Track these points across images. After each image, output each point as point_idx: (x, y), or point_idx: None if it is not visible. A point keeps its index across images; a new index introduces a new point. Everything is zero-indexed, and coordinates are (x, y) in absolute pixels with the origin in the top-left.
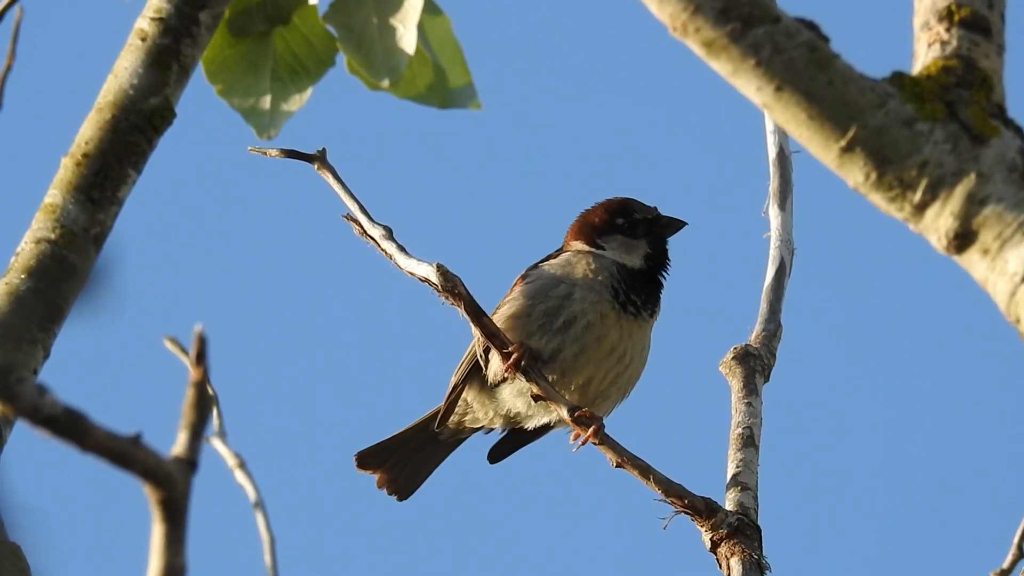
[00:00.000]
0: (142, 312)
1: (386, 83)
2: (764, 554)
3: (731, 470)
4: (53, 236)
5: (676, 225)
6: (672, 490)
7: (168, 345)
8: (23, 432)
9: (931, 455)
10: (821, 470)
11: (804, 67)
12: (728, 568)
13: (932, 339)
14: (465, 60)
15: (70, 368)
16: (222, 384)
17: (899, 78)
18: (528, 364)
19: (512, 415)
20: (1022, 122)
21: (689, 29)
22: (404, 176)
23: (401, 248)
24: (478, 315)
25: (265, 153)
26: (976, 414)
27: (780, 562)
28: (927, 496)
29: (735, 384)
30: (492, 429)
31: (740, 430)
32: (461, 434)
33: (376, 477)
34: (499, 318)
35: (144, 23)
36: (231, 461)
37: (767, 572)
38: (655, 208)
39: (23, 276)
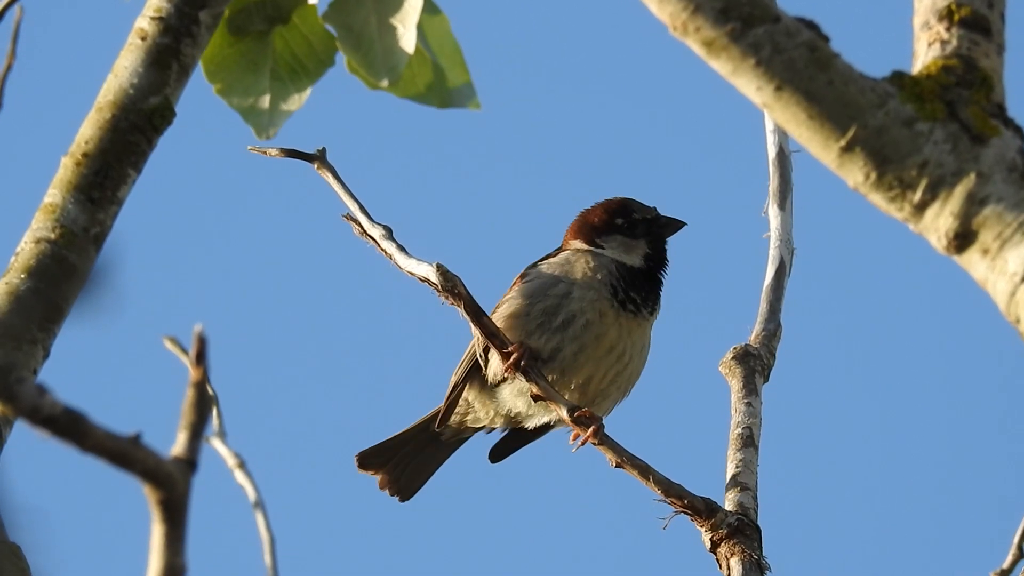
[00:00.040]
0: (142, 312)
1: (385, 83)
2: (764, 554)
3: (731, 470)
4: (53, 236)
5: (675, 225)
6: (672, 490)
7: (168, 345)
8: (23, 432)
9: (931, 455)
10: (821, 470)
11: (804, 67)
12: (728, 568)
13: (932, 339)
14: (464, 60)
15: (70, 368)
16: (222, 384)
17: (899, 78)
18: (528, 364)
19: (513, 415)
20: (1022, 122)
21: (689, 29)
22: (404, 176)
23: (401, 248)
24: (478, 315)
25: (265, 153)
26: (976, 414)
27: (780, 562)
28: (927, 496)
29: (735, 384)
30: (493, 429)
31: (740, 430)
32: (462, 434)
33: (378, 478)
34: (498, 317)
35: (144, 22)
36: (231, 461)
37: (767, 572)
38: (654, 208)
39: (23, 276)
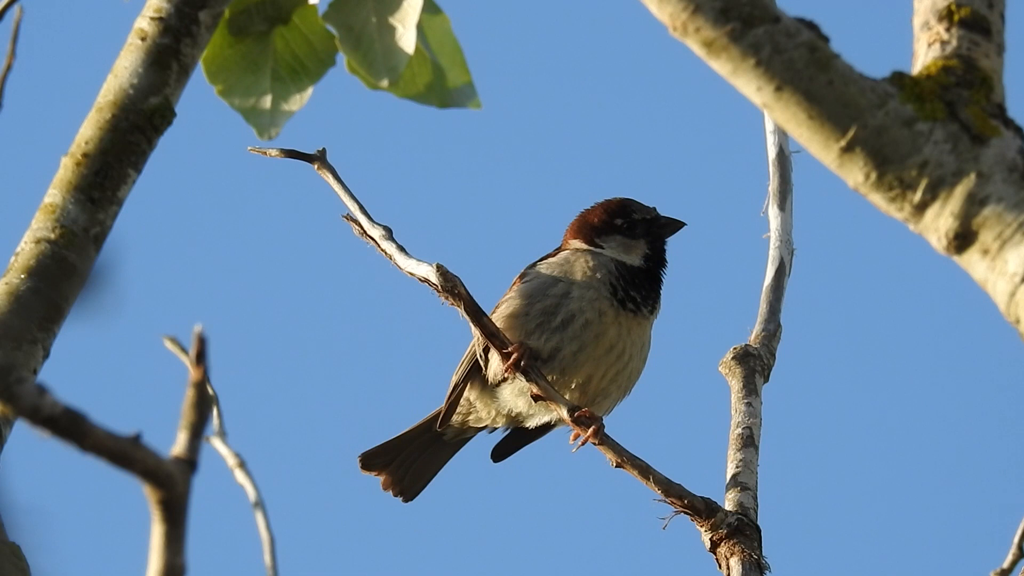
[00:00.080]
0: (142, 312)
1: (386, 83)
2: (764, 554)
3: (731, 470)
4: (53, 236)
5: (675, 225)
6: (672, 490)
7: (168, 345)
8: (23, 432)
9: (931, 455)
10: (821, 470)
11: (804, 67)
12: (728, 568)
13: (932, 339)
14: (464, 59)
15: (70, 368)
16: (222, 384)
17: (899, 78)
18: (528, 364)
19: (514, 414)
20: (1022, 122)
21: (689, 29)
22: (404, 176)
23: (401, 248)
24: (478, 315)
25: (265, 153)
26: (976, 414)
27: (780, 562)
28: (927, 496)
29: (735, 384)
30: (496, 428)
31: (740, 430)
32: (465, 434)
33: (381, 479)
34: (497, 317)
35: (144, 23)
36: (231, 461)
37: (767, 572)
38: (654, 208)
39: (23, 276)
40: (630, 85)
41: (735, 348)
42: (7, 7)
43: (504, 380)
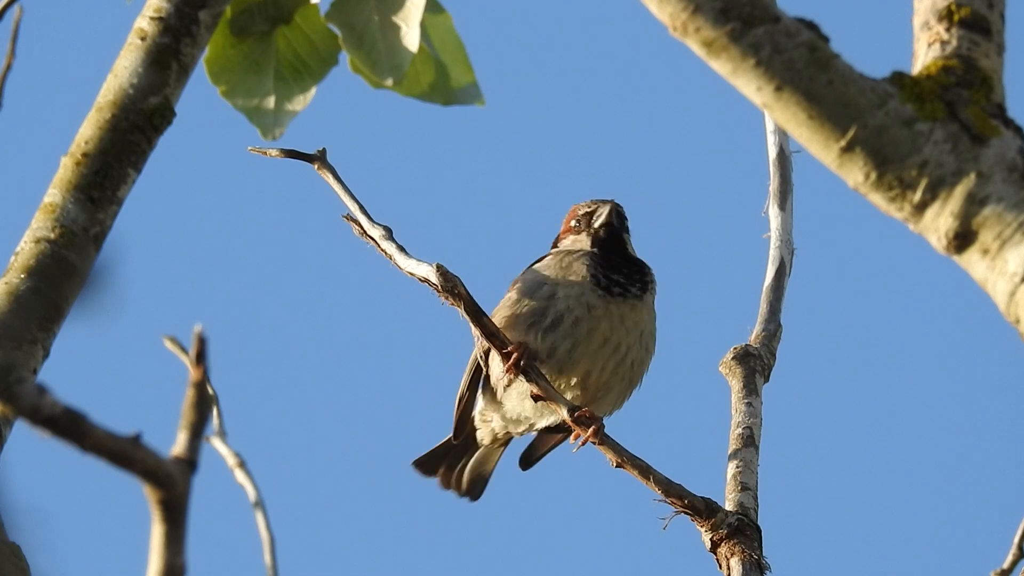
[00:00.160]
0: (142, 312)
1: (390, 81)
2: (764, 554)
3: (731, 470)
4: (53, 236)
5: (608, 209)
6: (672, 490)
7: (168, 345)
8: (23, 432)
9: (931, 455)
10: (821, 470)
11: (804, 67)
12: (728, 568)
13: (932, 339)
14: (468, 57)
15: (70, 368)
16: (222, 384)
17: (899, 78)
18: (528, 364)
19: (522, 418)
20: (1022, 122)
21: (689, 29)
22: (404, 176)
23: (401, 248)
24: (478, 315)
25: (265, 153)
26: (976, 414)
27: (780, 562)
28: (927, 496)
29: (735, 384)
30: (522, 433)
31: (740, 430)
32: (498, 440)
33: (438, 479)
34: (494, 321)
35: (144, 22)
36: (231, 461)
37: (767, 572)
38: (599, 200)
39: (23, 276)
40: (631, 85)
41: (735, 348)
42: (7, 7)
43: (509, 384)
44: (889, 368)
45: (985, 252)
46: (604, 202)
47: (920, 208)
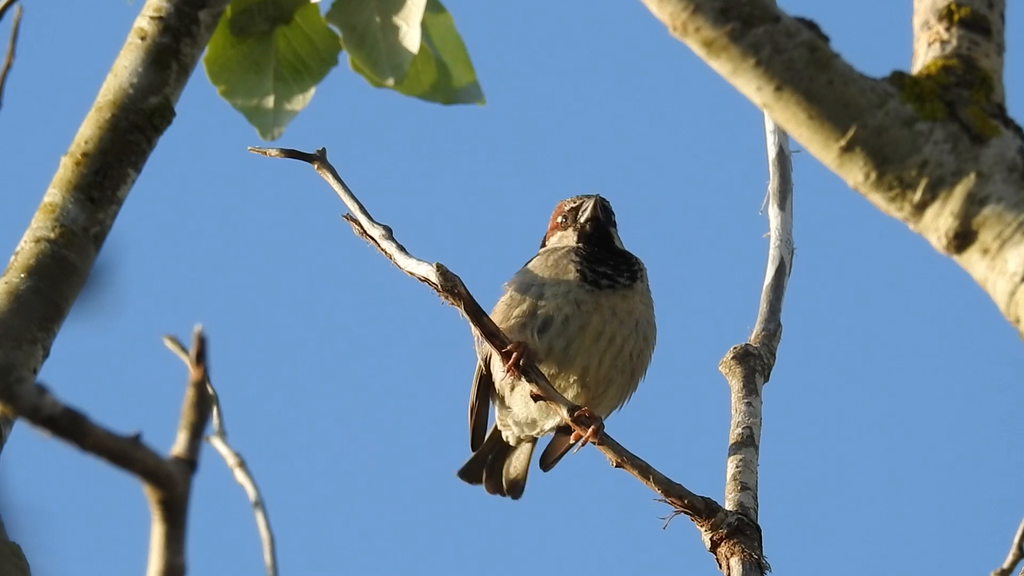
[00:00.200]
0: (142, 312)
1: (391, 81)
2: (764, 554)
3: (731, 470)
4: (53, 235)
5: (593, 203)
6: (672, 490)
7: (168, 345)
8: (23, 432)
9: (931, 455)
10: (821, 470)
11: (804, 67)
12: (728, 568)
13: (932, 339)
14: (469, 57)
15: (70, 368)
16: (222, 384)
17: (899, 78)
18: (527, 363)
19: (531, 420)
20: (1022, 122)
21: (689, 29)
22: (404, 176)
23: (401, 248)
24: (478, 315)
25: (265, 153)
26: (976, 414)
27: (780, 562)
28: (927, 496)
29: (735, 384)
30: (539, 433)
31: (740, 430)
32: (523, 440)
33: (484, 486)
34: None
35: (144, 22)
36: (231, 461)
37: (767, 572)
38: (584, 195)
39: (23, 275)
40: (631, 84)
41: (735, 348)
42: (7, 7)
43: (512, 388)
44: (889, 368)
45: (985, 252)
46: (588, 196)
47: (920, 208)
